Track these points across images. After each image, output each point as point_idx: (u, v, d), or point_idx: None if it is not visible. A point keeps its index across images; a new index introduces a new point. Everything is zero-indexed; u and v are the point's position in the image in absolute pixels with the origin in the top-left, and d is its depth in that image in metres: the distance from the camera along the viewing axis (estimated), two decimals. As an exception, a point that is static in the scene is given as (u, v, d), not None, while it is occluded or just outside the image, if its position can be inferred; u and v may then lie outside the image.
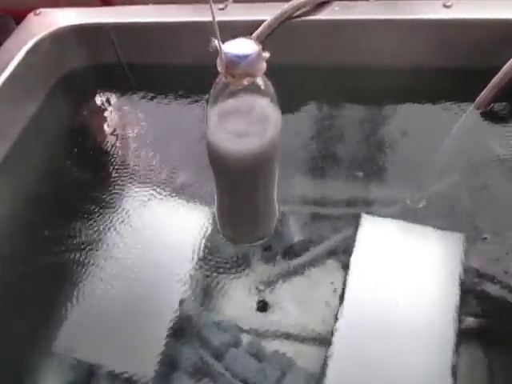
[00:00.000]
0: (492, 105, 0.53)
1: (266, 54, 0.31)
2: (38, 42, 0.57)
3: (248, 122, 0.33)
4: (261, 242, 0.44)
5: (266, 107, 0.33)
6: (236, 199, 0.40)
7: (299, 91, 0.55)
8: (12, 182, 0.52)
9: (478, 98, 0.53)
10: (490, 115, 0.53)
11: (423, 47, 0.55)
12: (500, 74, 0.50)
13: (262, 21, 0.54)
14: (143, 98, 0.60)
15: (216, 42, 0.30)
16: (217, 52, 0.30)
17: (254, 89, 0.32)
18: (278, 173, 0.38)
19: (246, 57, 0.29)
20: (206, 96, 0.56)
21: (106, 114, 0.60)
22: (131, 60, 0.61)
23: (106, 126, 0.58)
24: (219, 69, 0.31)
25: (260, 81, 0.32)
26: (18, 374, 0.38)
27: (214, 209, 0.44)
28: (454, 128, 0.53)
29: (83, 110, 0.60)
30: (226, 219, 0.44)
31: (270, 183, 0.39)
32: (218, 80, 0.32)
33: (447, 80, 0.55)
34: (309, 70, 0.57)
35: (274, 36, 0.55)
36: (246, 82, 0.30)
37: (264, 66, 0.31)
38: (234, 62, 0.30)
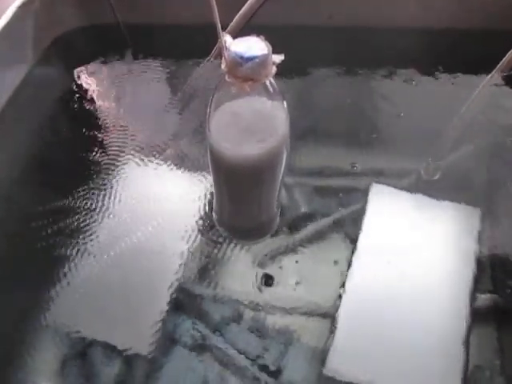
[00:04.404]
0: (516, 69, 0.50)
1: (277, 58, 0.28)
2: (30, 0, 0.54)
3: (252, 127, 0.31)
4: (258, 240, 0.42)
5: (272, 111, 0.31)
6: (235, 201, 0.39)
7: (306, 54, 0.53)
8: (3, 144, 0.51)
9: (501, 62, 0.50)
10: (513, 79, 0.50)
11: (445, 7, 0.52)
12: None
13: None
14: (141, 59, 0.59)
15: (226, 36, 0.28)
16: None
17: (260, 90, 0.30)
18: (282, 177, 0.37)
19: (250, 59, 0.27)
20: (207, 58, 0.56)
21: (102, 76, 0.58)
22: (129, 20, 0.59)
23: (101, 90, 0.57)
24: (222, 67, 0.28)
25: (267, 82, 0.29)
26: (14, 347, 0.38)
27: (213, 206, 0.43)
28: (474, 93, 0.50)
29: (78, 72, 0.58)
30: (223, 218, 0.42)
31: (273, 188, 0.37)
32: (221, 79, 0.29)
33: (469, 43, 0.52)
34: (318, 31, 0.54)
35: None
36: (247, 87, 0.28)
37: (272, 70, 0.28)
38: (236, 63, 0.27)
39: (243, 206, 0.39)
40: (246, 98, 0.30)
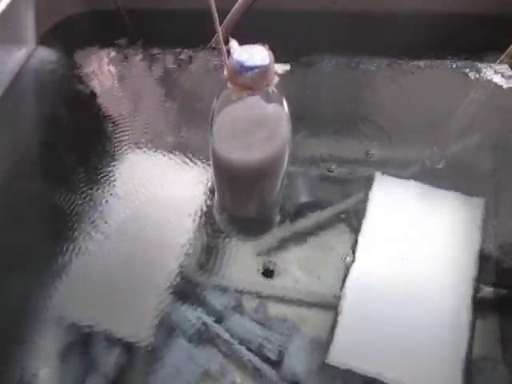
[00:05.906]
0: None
1: (280, 68, 0.28)
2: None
3: (254, 132, 0.31)
4: (260, 237, 0.42)
5: (274, 115, 0.31)
6: (237, 200, 0.39)
7: (312, 40, 0.52)
8: (4, 129, 0.51)
9: (509, 48, 0.49)
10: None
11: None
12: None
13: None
14: (141, 45, 0.58)
15: (232, 41, 0.28)
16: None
17: (263, 95, 0.29)
18: (283, 179, 0.37)
19: (250, 68, 0.27)
20: (210, 45, 0.55)
21: (102, 62, 0.57)
22: (129, 6, 0.59)
23: (101, 75, 0.56)
24: (224, 72, 0.28)
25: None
26: (15, 336, 0.38)
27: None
28: (480, 81, 0.50)
29: (78, 57, 0.58)
30: (224, 214, 0.43)
31: (274, 187, 0.38)
32: (223, 84, 0.29)
33: (476, 29, 0.51)
34: (325, 17, 0.53)
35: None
36: (246, 94, 0.28)
37: (274, 80, 0.28)
38: (236, 71, 0.27)
39: (244, 203, 0.39)
40: (246, 102, 0.30)
